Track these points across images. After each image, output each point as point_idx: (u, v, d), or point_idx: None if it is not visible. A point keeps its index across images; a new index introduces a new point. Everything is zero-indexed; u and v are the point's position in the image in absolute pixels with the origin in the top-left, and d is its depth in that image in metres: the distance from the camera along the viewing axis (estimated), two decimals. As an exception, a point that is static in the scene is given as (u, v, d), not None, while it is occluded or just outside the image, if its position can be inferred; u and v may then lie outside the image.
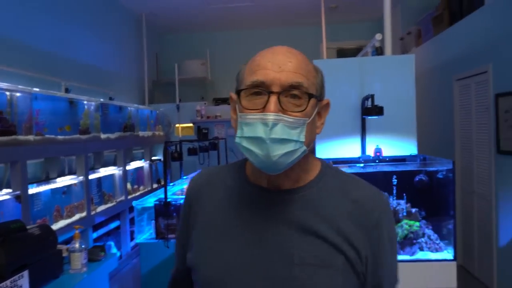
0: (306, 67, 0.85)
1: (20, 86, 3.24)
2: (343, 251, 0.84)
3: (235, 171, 0.96)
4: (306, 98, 0.82)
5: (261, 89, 0.81)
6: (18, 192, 3.04)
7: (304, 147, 0.84)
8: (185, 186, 4.22)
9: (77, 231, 2.05)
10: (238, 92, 0.85)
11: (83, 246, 2.01)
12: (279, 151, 0.80)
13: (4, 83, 3.09)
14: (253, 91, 0.82)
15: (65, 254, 2.04)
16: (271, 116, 0.79)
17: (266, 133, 0.79)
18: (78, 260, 1.95)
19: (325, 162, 0.97)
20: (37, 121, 3.40)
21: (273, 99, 0.79)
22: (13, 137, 3.00)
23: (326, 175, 0.92)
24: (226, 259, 0.86)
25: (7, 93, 3.08)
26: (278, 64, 0.82)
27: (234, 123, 0.89)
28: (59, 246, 2.08)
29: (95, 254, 2.14)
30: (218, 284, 0.85)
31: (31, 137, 3.20)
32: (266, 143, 0.79)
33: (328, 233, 0.85)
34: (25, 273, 1.66)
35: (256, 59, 0.85)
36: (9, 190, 3.05)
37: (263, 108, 0.80)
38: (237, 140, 0.84)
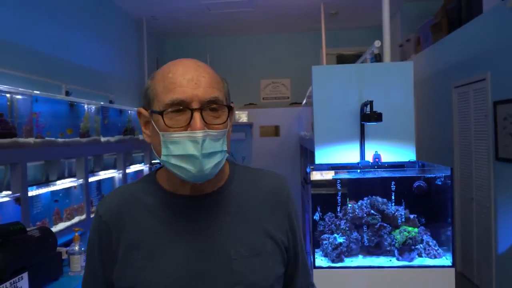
0: (216, 80, 0.90)
1: (20, 89, 3.26)
2: (269, 235, 0.94)
3: (148, 186, 0.97)
4: (225, 110, 0.89)
5: (182, 107, 0.84)
6: (18, 194, 3.04)
7: (227, 154, 0.91)
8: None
9: (76, 234, 2.06)
10: (160, 113, 0.85)
11: (82, 249, 2.01)
12: (210, 164, 0.85)
13: (5, 86, 3.10)
14: (173, 110, 0.85)
15: (64, 256, 2.04)
16: (200, 134, 0.83)
17: (197, 150, 0.83)
18: (78, 263, 1.96)
19: (230, 159, 1.02)
20: (37, 123, 3.41)
21: (197, 115, 0.84)
22: (14, 139, 3.00)
23: (236, 171, 1.00)
24: (168, 272, 0.88)
25: (8, 95, 3.09)
26: (193, 80, 0.86)
27: (148, 138, 0.93)
28: (59, 249, 2.08)
29: (94, 257, 2.14)
30: None
31: (31, 140, 3.20)
32: (199, 159, 0.84)
33: (255, 223, 0.94)
34: (25, 275, 1.66)
35: (168, 77, 0.87)
36: (9, 192, 3.05)
37: (187, 125, 0.84)
38: (163, 158, 0.87)
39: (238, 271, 0.89)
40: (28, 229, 1.84)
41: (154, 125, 0.88)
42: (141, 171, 5.72)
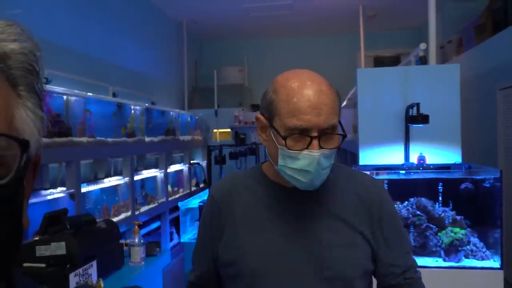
0: (335, 104, 0.97)
1: (75, 91, 3.44)
2: (359, 231, 1.02)
3: (256, 175, 1.10)
4: (339, 136, 0.98)
5: (302, 133, 0.94)
6: (72, 190, 3.22)
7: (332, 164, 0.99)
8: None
9: (136, 227, 2.19)
10: (284, 138, 0.94)
11: (141, 241, 2.14)
12: (321, 177, 0.96)
13: (61, 88, 3.29)
14: (294, 133, 0.95)
15: (124, 248, 2.17)
16: (316, 154, 0.93)
17: (312, 167, 0.94)
18: (138, 254, 2.08)
19: None
20: (90, 123, 3.60)
21: (315, 142, 0.93)
22: (69, 138, 3.17)
23: (334, 169, 1.05)
24: (267, 250, 1.01)
25: (64, 97, 3.27)
26: (316, 107, 0.93)
27: (265, 142, 1.04)
28: (117, 241, 2.20)
29: (151, 249, 2.27)
30: (265, 271, 0.99)
31: (84, 139, 3.38)
32: (312, 174, 0.94)
33: (347, 217, 1.02)
34: (94, 263, 1.79)
35: (293, 101, 0.94)
36: (63, 188, 3.23)
37: (305, 147, 0.94)
38: (279, 167, 0.98)
39: (327, 257, 0.99)
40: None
41: (273, 137, 0.99)
42: (181, 170, 5.88)
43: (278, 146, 0.97)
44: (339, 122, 0.98)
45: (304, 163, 0.94)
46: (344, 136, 0.98)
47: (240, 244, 1.02)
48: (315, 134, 0.93)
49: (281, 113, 0.96)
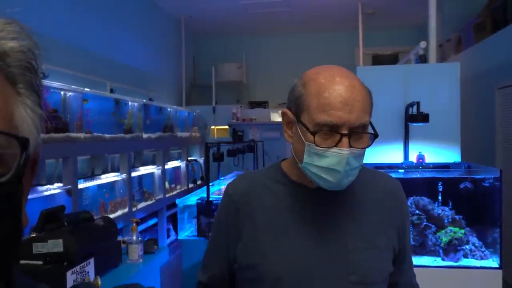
0: (367, 102, 0.92)
1: (73, 86, 3.41)
2: (383, 233, 1.01)
3: (275, 175, 1.05)
4: (370, 136, 0.93)
5: (332, 130, 0.90)
6: (69, 186, 3.20)
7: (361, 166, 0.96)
8: (225, 190, 4.31)
9: (134, 225, 2.17)
10: (312, 134, 0.90)
11: (139, 239, 2.12)
12: (348, 178, 0.92)
13: (59, 83, 3.26)
14: (324, 130, 0.90)
15: (122, 245, 2.16)
16: (346, 152, 0.88)
17: (341, 166, 0.89)
18: (135, 251, 2.07)
19: None
20: (87, 119, 3.57)
21: (345, 140, 0.89)
22: (66, 134, 3.15)
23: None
24: (292, 254, 0.96)
25: (62, 92, 3.25)
26: (347, 104, 0.88)
27: (290, 139, 0.99)
28: (115, 238, 2.18)
29: (149, 247, 2.25)
30: (290, 276, 0.95)
31: (81, 135, 3.35)
32: (341, 173, 0.90)
33: (371, 219, 1.00)
34: (91, 261, 1.78)
35: (324, 96, 0.90)
36: (60, 184, 3.21)
37: (335, 145, 0.89)
38: (304, 165, 0.94)
39: (353, 261, 0.96)
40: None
41: (300, 132, 0.94)
42: (178, 167, 5.86)
43: (305, 142, 0.92)
44: (370, 122, 0.93)
45: (332, 161, 0.89)
46: (376, 136, 0.93)
47: (262, 248, 0.98)
48: (345, 131, 0.88)
49: (310, 107, 0.91)
